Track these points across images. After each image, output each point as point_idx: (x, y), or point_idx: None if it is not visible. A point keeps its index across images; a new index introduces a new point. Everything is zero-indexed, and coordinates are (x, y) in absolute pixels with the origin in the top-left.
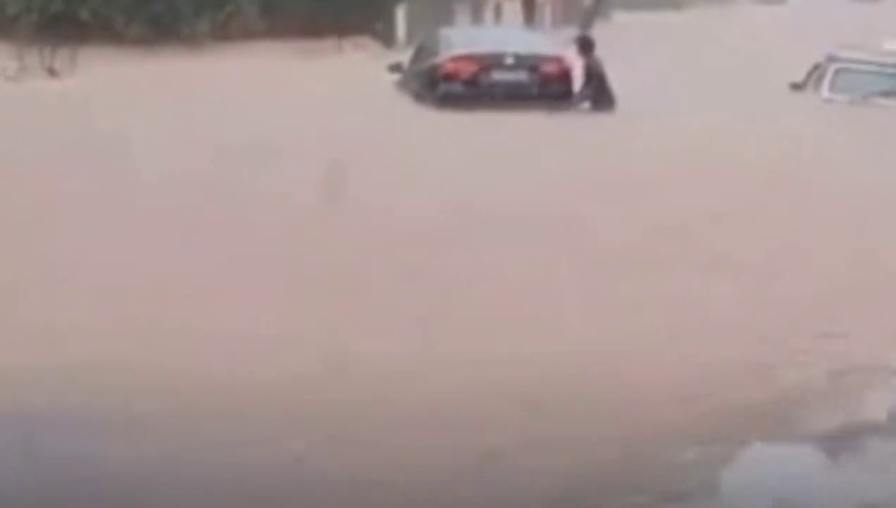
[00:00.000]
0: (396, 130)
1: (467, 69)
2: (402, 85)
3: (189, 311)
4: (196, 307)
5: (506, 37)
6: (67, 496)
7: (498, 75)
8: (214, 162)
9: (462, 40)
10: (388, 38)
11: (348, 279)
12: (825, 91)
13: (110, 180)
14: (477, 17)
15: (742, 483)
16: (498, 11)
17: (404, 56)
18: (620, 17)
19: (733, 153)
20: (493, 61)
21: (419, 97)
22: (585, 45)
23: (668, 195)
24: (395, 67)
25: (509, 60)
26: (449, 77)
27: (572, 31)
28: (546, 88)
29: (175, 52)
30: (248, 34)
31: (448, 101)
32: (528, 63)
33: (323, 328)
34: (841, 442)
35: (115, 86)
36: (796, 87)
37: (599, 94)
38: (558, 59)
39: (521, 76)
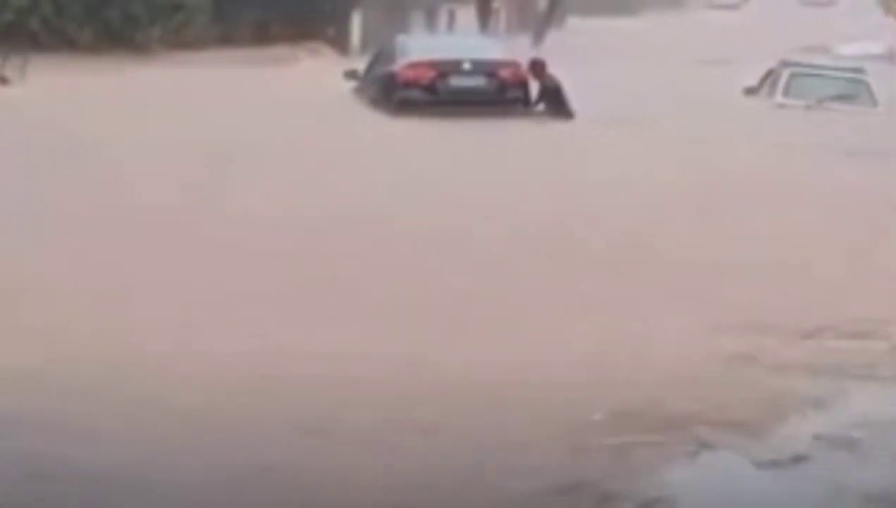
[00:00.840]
0: (352, 135)
1: (425, 75)
2: (358, 91)
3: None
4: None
5: (463, 43)
6: (50, 498)
7: (456, 81)
8: (162, 166)
9: (419, 47)
10: (342, 45)
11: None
12: (779, 96)
13: (51, 181)
14: (431, 23)
15: (694, 490)
16: (452, 18)
17: (360, 63)
18: (575, 23)
19: (689, 159)
20: (450, 67)
21: (376, 103)
22: (537, 69)
23: (623, 199)
24: (350, 74)
25: (467, 66)
26: (407, 84)
27: (528, 37)
28: (504, 94)
29: (127, 60)
30: (202, 42)
31: (406, 107)
32: (485, 69)
33: (299, 332)
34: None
35: (65, 93)
36: (750, 91)
37: (557, 108)
38: (515, 65)
39: (479, 82)
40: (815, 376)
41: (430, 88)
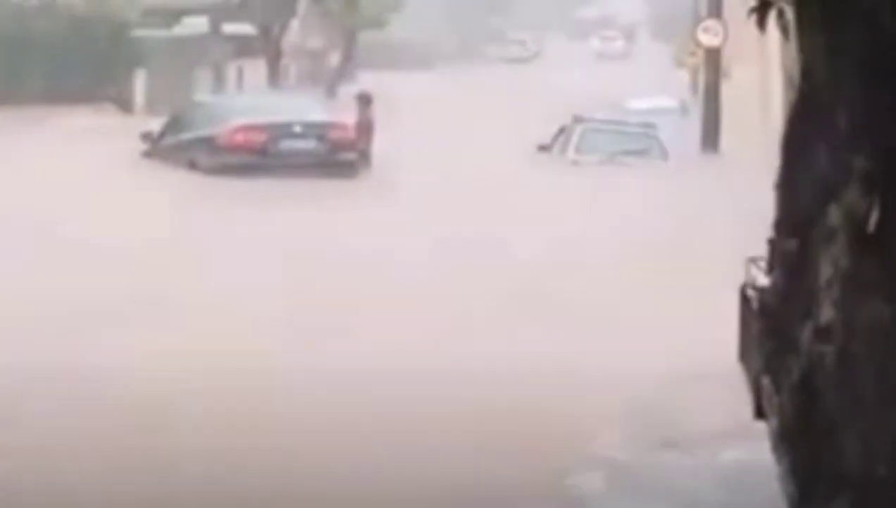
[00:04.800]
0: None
1: (255, 140)
2: (152, 154)
3: None
4: None
5: (285, 104)
6: None
7: (287, 144)
8: None
9: (237, 108)
10: (126, 104)
11: None
12: (572, 152)
13: None
14: (219, 79)
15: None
16: (240, 74)
17: (146, 123)
18: (366, 78)
19: (479, 229)
20: (281, 131)
21: (193, 166)
22: (364, 101)
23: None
24: (147, 136)
25: (297, 129)
26: (234, 147)
27: (319, 91)
28: (334, 156)
29: None
30: None
31: (233, 171)
32: (315, 131)
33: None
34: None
35: None
36: (544, 148)
37: (366, 148)
38: (344, 126)
39: (310, 144)
40: None
41: (260, 152)
